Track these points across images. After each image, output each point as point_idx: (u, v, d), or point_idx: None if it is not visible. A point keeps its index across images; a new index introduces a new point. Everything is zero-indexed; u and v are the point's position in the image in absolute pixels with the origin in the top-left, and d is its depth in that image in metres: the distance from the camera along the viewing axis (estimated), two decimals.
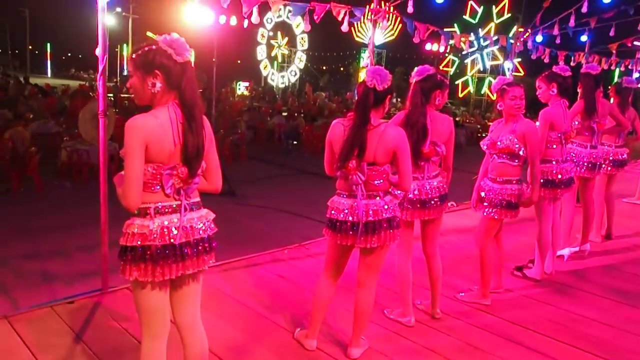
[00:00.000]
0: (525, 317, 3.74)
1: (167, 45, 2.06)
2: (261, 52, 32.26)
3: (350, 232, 2.81)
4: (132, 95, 2.17)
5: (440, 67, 29.97)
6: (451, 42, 6.88)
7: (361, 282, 3.04)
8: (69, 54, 58.32)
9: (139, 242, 2.09)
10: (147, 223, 2.11)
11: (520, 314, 3.80)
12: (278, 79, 32.76)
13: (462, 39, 7.62)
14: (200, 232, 2.20)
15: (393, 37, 27.87)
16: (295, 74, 33.16)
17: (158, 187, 2.12)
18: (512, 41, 7.57)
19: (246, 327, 3.40)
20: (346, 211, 2.81)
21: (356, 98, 2.90)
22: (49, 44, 46.02)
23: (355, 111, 2.75)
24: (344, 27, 5.11)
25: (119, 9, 41.22)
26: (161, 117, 2.08)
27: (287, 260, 4.69)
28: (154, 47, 2.07)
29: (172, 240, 2.11)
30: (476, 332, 3.52)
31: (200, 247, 2.20)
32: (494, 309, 3.85)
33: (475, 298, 3.95)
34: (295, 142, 14.74)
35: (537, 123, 4.10)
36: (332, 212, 2.89)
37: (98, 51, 3.53)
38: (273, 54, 32.74)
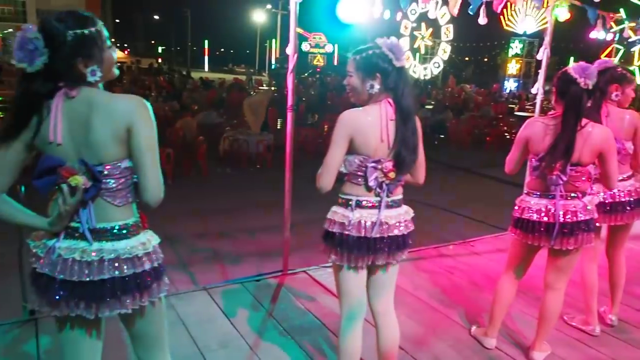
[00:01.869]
0: None
1: (388, 50, 2.16)
2: (404, 45, 31.97)
3: (545, 234, 2.73)
4: (349, 93, 2.30)
5: (602, 57, 27.44)
6: (616, 27, 6.26)
7: (550, 285, 2.94)
8: (222, 50, 62.68)
9: (337, 230, 2.25)
10: (347, 214, 2.25)
11: None
12: (420, 71, 32.30)
13: (631, 24, 6.94)
14: (395, 230, 2.26)
15: (547, 24, 26.07)
16: (439, 65, 32.40)
17: (362, 180, 2.25)
18: None
19: (422, 320, 3.46)
20: (541, 211, 2.73)
21: (554, 94, 2.77)
22: (206, 41, 50.09)
23: (567, 112, 2.62)
24: (481, 20, 4.72)
25: (269, 6, 43.45)
26: (372, 114, 2.19)
27: (453, 256, 4.67)
28: (377, 51, 2.18)
29: (366, 234, 2.22)
30: None
31: (393, 244, 2.27)
32: None
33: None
34: (442, 136, 14.49)
35: None
36: (523, 211, 2.82)
37: (289, 50, 3.76)
38: (416, 45, 32.31)
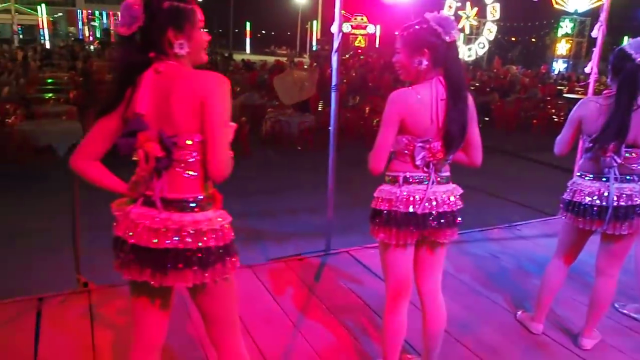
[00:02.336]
0: None
1: (437, 24, 2.09)
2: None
3: (597, 217, 2.64)
4: (399, 70, 2.26)
5: None
6: None
7: (602, 271, 2.85)
8: (263, 32, 62.80)
9: (385, 207, 2.23)
10: (394, 190, 2.22)
11: None
12: (465, 52, 31.56)
13: None
14: (445, 206, 2.23)
15: (601, 1, 24.98)
16: (484, 46, 31.62)
17: (409, 158, 2.21)
18: None
19: (466, 303, 3.43)
20: (594, 194, 2.64)
21: (609, 74, 2.65)
22: (248, 23, 50.25)
23: (620, 90, 2.51)
24: None
25: None
26: (422, 93, 2.15)
27: (498, 240, 4.59)
28: (424, 25, 2.13)
29: (414, 209, 2.19)
30: None
31: (443, 220, 2.24)
32: None
33: None
34: (487, 119, 14.17)
35: None
36: (575, 194, 2.73)
37: (334, 29, 3.73)
38: (460, 25, 31.53)
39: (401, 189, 2.22)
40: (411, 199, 2.20)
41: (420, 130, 2.16)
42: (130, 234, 1.71)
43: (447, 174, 2.29)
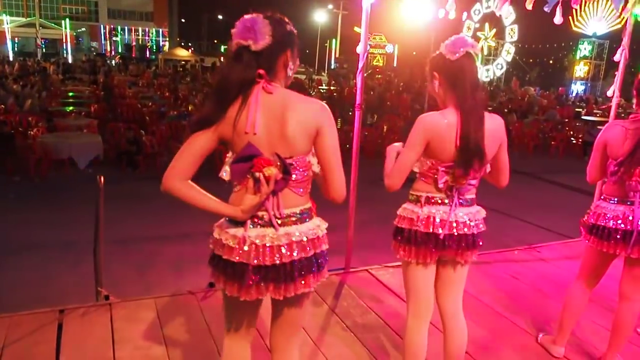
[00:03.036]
0: None
1: (445, 46, 2.17)
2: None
3: (622, 241, 2.62)
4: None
5: None
6: None
7: (625, 295, 2.81)
8: None
9: (406, 226, 2.26)
10: (416, 210, 2.25)
11: None
12: (483, 73, 31.55)
13: None
14: (466, 229, 2.23)
15: (620, 25, 24.88)
16: (502, 67, 31.59)
17: (432, 180, 2.23)
18: None
19: (487, 325, 3.39)
20: (619, 218, 2.62)
21: (635, 98, 2.66)
22: None
23: None
24: (557, 19, 4.54)
25: (330, 6, 43.63)
26: (448, 118, 2.16)
27: (519, 262, 4.55)
28: (437, 51, 2.22)
29: (434, 230, 2.20)
30: None
31: (463, 243, 2.24)
32: None
33: None
34: None
35: None
36: (598, 217, 2.71)
37: (359, 49, 3.78)
38: (479, 46, 31.53)
39: (422, 209, 2.24)
40: (432, 219, 2.22)
41: (445, 155, 2.17)
42: (252, 255, 1.73)
43: (472, 196, 2.29)
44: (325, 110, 1.79)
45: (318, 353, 2.97)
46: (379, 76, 29.59)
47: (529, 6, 4.47)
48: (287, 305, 1.92)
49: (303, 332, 2.04)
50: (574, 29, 27.64)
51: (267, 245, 1.74)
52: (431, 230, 2.20)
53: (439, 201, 2.23)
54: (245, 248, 1.73)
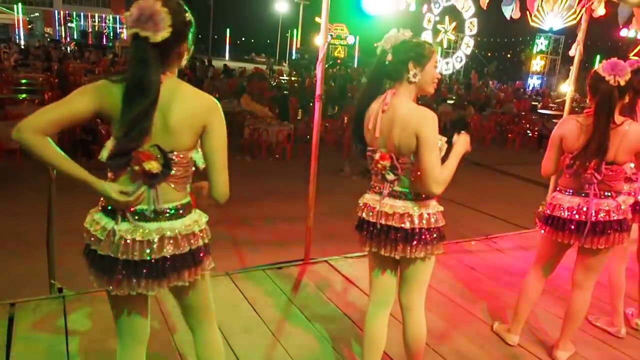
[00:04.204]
0: None
1: None
2: (426, 39, 31.61)
3: (576, 232, 2.69)
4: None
5: (631, 56, 26.91)
6: None
7: (578, 284, 2.91)
8: (243, 39, 62.72)
9: (358, 211, 2.36)
10: (364, 196, 2.36)
11: None
12: (442, 66, 31.94)
13: None
14: (393, 221, 2.18)
15: (575, 21, 25.57)
16: (461, 60, 32.02)
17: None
18: None
19: (444, 314, 3.45)
20: (573, 209, 2.69)
21: (588, 94, 2.72)
22: (228, 30, 50.14)
23: (598, 110, 2.58)
24: (515, 14, 4.63)
25: None
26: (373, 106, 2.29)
27: (476, 253, 4.64)
28: None
29: (363, 216, 2.29)
30: None
31: (391, 236, 2.19)
32: None
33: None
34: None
35: None
36: (554, 208, 2.78)
37: (319, 40, 3.75)
38: (438, 39, 31.93)
39: (365, 196, 2.34)
40: (364, 206, 2.31)
41: (367, 139, 2.27)
42: (120, 250, 1.71)
43: (406, 190, 2.21)
44: (215, 107, 1.75)
45: (277, 344, 2.96)
46: (341, 66, 29.57)
47: (484, 6, 4.54)
48: (188, 291, 1.91)
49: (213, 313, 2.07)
50: (532, 24, 28.27)
51: (137, 239, 1.70)
52: (363, 216, 2.29)
53: (376, 190, 2.29)
54: (115, 239, 1.70)
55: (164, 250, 1.71)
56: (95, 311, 3.13)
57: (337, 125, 11.79)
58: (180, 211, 1.78)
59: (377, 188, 2.28)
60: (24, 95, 11.97)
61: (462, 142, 2.36)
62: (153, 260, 1.71)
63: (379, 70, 2.23)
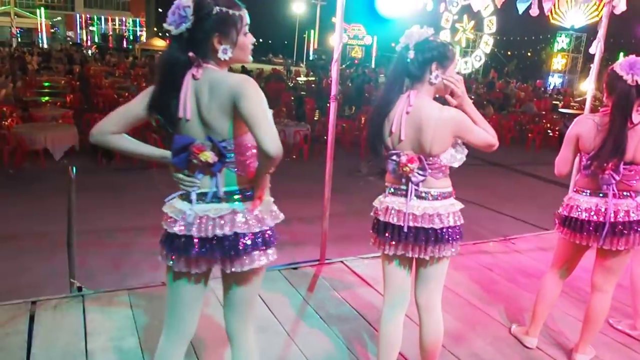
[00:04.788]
0: None
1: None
2: (444, 38, 31.40)
3: (594, 233, 2.65)
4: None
5: None
6: None
7: (597, 286, 2.86)
8: (261, 40, 62.98)
9: (374, 215, 2.33)
10: (382, 199, 2.31)
11: None
12: (461, 65, 31.69)
13: None
14: (424, 223, 2.17)
15: (597, 17, 25.16)
16: (480, 59, 31.77)
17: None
18: None
19: (460, 316, 3.42)
20: (591, 210, 2.65)
21: (604, 92, 2.68)
22: None
23: (615, 110, 2.52)
24: (533, 11, 4.57)
25: None
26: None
27: (493, 254, 4.59)
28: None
29: (388, 219, 2.23)
30: None
31: (421, 237, 2.18)
32: None
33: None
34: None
35: None
36: (572, 210, 2.74)
37: (334, 40, 3.76)
38: (457, 38, 31.70)
39: (385, 199, 2.29)
40: (389, 210, 2.24)
41: (390, 141, 2.23)
42: (194, 228, 1.81)
43: (437, 189, 2.22)
44: (243, 81, 1.71)
45: (292, 344, 2.96)
46: (358, 66, 29.53)
47: (499, 4, 4.50)
48: (236, 282, 1.95)
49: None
50: (552, 21, 27.94)
51: (211, 216, 1.79)
52: (387, 219, 2.23)
53: (400, 193, 2.24)
54: (190, 220, 1.79)
55: (237, 226, 1.79)
56: (113, 309, 3.18)
57: (354, 125, 11.78)
58: (248, 193, 1.84)
59: (399, 191, 2.23)
60: (46, 98, 12.19)
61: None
62: (226, 237, 1.78)
63: (400, 68, 2.18)
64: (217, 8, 1.72)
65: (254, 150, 1.84)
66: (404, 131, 2.14)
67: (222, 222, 1.79)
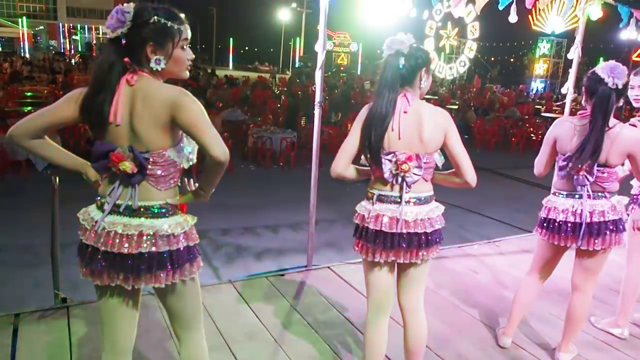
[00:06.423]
0: None
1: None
2: (429, 45, 31.67)
3: (572, 234, 2.70)
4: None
5: (633, 58, 26.85)
6: None
7: (577, 286, 2.91)
8: (246, 48, 63.07)
9: (359, 222, 2.31)
10: (369, 207, 2.28)
11: None
12: (446, 71, 31.95)
13: None
14: (418, 228, 2.20)
15: (576, 24, 25.56)
16: (465, 64, 32.02)
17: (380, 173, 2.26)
18: None
19: (446, 318, 3.46)
20: (568, 211, 2.71)
21: (583, 95, 2.73)
22: (231, 39, 50.43)
23: (595, 112, 2.58)
24: (512, 18, 4.67)
25: (294, 5, 43.53)
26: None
27: (478, 256, 4.64)
28: None
29: (382, 228, 2.21)
30: None
31: (414, 242, 2.21)
32: None
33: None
34: (466, 137, 14.36)
35: None
36: (549, 211, 2.79)
37: (318, 47, 3.79)
38: (441, 44, 31.95)
39: (373, 206, 2.26)
40: (380, 217, 2.22)
41: (385, 143, 2.21)
42: (102, 240, 1.76)
43: (425, 194, 2.26)
44: (179, 93, 1.71)
45: (279, 351, 2.97)
46: (344, 74, 29.65)
47: (478, 11, 4.57)
48: (171, 297, 1.93)
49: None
50: (534, 27, 28.27)
51: (118, 232, 1.75)
52: (380, 228, 2.21)
53: (390, 199, 2.24)
54: (98, 230, 1.77)
55: (142, 246, 1.73)
56: (98, 320, 3.15)
57: (341, 132, 11.83)
58: (163, 210, 1.80)
59: (388, 198, 2.23)
60: (29, 108, 12.06)
61: None
62: (130, 255, 1.73)
63: (392, 74, 2.18)
64: (156, 18, 1.72)
65: (177, 167, 1.84)
66: (402, 130, 2.18)
67: (128, 239, 1.74)
